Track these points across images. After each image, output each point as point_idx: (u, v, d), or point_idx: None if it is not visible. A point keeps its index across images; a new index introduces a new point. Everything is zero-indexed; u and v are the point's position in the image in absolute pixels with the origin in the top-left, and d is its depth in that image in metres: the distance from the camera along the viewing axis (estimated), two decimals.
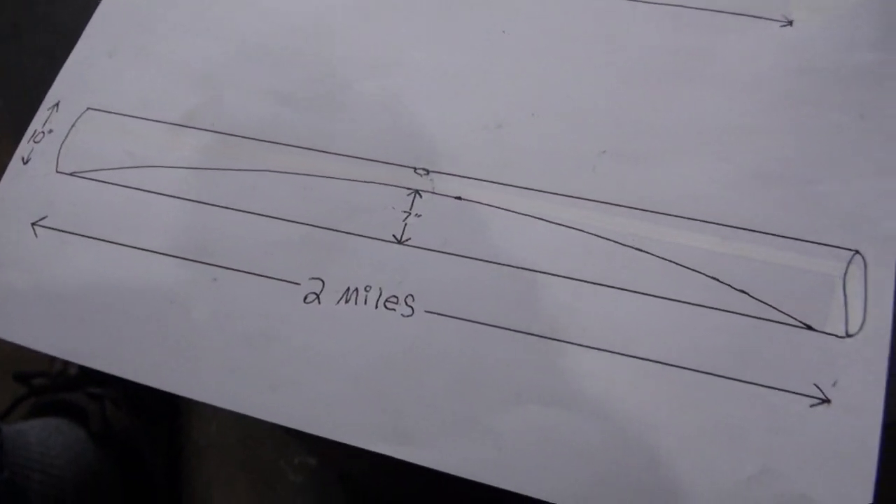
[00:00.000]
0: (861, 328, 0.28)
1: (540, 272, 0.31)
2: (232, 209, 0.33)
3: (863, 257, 0.29)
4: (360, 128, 0.34)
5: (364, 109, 0.35)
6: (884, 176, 0.30)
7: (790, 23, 0.34)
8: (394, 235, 0.32)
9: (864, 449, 0.27)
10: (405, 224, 0.32)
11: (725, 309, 0.29)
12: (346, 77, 0.36)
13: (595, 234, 0.31)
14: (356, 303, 0.31)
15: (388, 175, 0.33)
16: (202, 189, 0.34)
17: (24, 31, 0.42)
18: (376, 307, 0.31)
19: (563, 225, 0.31)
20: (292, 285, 0.32)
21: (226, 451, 0.70)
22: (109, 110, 0.37)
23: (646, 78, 0.34)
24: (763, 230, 0.30)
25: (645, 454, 0.28)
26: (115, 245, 0.34)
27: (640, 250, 0.31)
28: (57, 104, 0.37)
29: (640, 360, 0.29)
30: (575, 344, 0.29)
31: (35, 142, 0.37)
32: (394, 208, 0.33)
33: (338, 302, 0.31)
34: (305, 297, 0.31)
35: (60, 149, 0.36)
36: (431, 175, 0.33)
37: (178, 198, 0.34)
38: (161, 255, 0.33)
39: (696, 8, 0.35)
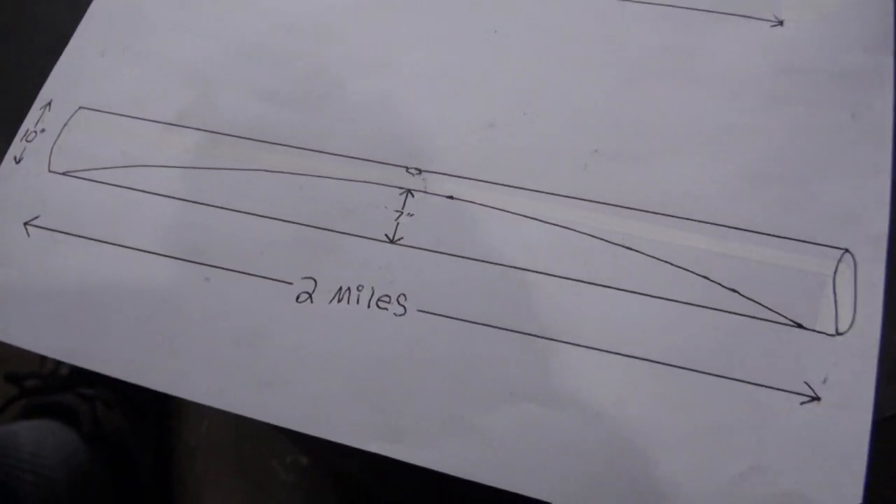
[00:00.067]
0: (851, 326, 0.28)
1: (532, 271, 0.31)
2: (224, 209, 0.33)
3: (852, 256, 0.29)
4: (353, 127, 0.34)
5: (356, 109, 0.35)
6: (873, 175, 0.30)
7: (781, 23, 0.34)
8: (386, 235, 0.32)
9: (854, 446, 0.27)
10: (397, 223, 0.32)
11: (716, 308, 0.29)
12: (338, 77, 0.36)
13: (587, 234, 0.31)
14: (349, 302, 0.31)
15: (381, 174, 0.33)
16: (194, 188, 0.34)
17: (15, 31, 0.42)
18: (369, 307, 0.31)
19: (554, 224, 0.31)
20: (285, 285, 0.32)
21: (217, 450, 0.70)
22: (102, 109, 0.37)
23: (637, 77, 0.34)
24: (753, 229, 0.30)
25: (636, 452, 0.28)
26: (107, 245, 0.34)
27: (632, 249, 0.31)
28: (49, 103, 0.37)
29: (632, 359, 0.29)
30: (566, 343, 0.30)
31: (27, 141, 0.37)
32: (386, 208, 0.33)
33: (330, 301, 0.31)
34: (298, 297, 0.31)
35: (53, 148, 0.36)
36: (424, 174, 0.33)
37: (171, 197, 0.34)
38: (153, 255, 0.33)
39: (687, 8, 0.35)
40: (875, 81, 0.32)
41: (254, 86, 0.36)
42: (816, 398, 0.28)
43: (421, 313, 0.31)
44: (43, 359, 0.63)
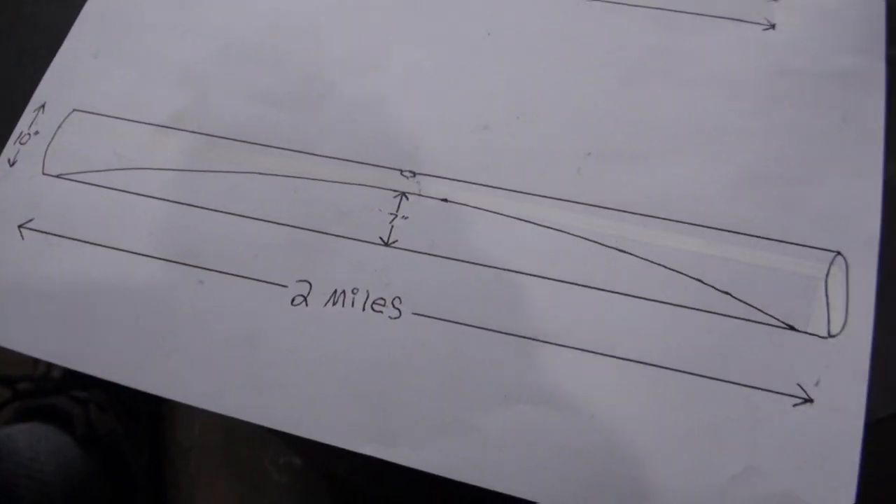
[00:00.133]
0: (843, 328, 0.29)
1: (526, 274, 0.31)
2: (218, 211, 0.33)
3: (844, 259, 0.30)
4: (347, 130, 0.34)
5: (350, 112, 0.35)
6: (865, 178, 0.31)
7: (773, 26, 0.34)
8: (381, 238, 0.32)
9: (847, 447, 0.27)
10: (392, 226, 0.32)
11: (709, 310, 0.30)
12: (332, 79, 0.36)
13: (580, 237, 0.31)
14: (343, 305, 0.31)
15: (375, 177, 0.33)
16: (188, 191, 0.34)
17: (8, 32, 0.42)
18: (364, 309, 0.31)
19: (548, 227, 0.32)
20: (279, 288, 0.32)
21: (210, 451, 0.70)
22: (95, 112, 0.37)
23: (630, 81, 0.34)
24: (746, 232, 0.31)
25: (630, 454, 0.28)
26: (101, 247, 0.34)
27: (625, 252, 0.31)
28: (43, 105, 0.37)
29: (625, 361, 0.29)
30: (561, 345, 0.30)
31: (21, 143, 0.36)
32: (380, 210, 0.33)
33: (325, 304, 0.31)
34: (293, 300, 0.31)
35: (47, 150, 0.36)
36: (418, 177, 0.33)
37: (165, 200, 0.34)
38: (147, 258, 0.33)
39: (680, 11, 0.35)
40: (867, 84, 0.32)
41: (248, 88, 0.36)
42: (809, 400, 0.28)
43: (416, 316, 0.31)
44: (35, 361, 0.62)
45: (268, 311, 0.31)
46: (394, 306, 0.31)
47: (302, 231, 0.33)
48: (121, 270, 0.33)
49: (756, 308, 0.29)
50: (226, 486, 0.70)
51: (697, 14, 0.35)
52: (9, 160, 0.36)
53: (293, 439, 0.30)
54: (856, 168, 0.31)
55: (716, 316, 0.29)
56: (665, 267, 0.30)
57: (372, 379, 0.30)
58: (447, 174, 0.33)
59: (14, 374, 0.61)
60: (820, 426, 0.28)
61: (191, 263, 0.33)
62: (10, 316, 0.33)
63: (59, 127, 0.37)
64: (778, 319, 0.29)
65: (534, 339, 0.30)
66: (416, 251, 0.32)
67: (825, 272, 0.29)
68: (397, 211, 0.32)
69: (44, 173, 0.36)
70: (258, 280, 0.32)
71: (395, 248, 0.32)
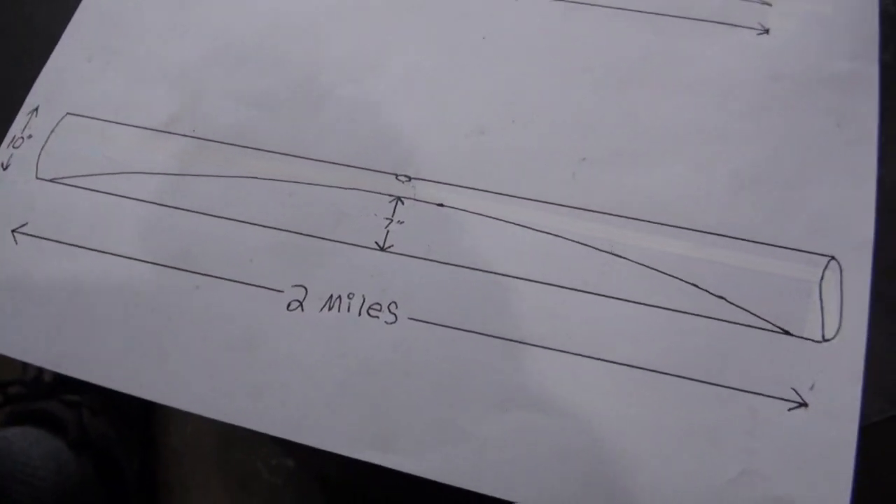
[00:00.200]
0: (837, 333, 0.29)
1: (521, 279, 0.31)
2: (213, 216, 0.33)
3: (838, 263, 0.30)
4: (342, 134, 0.34)
5: (345, 115, 0.35)
6: (859, 182, 0.31)
7: (766, 31, 0.34)
8: (376, 242, 0.32)
9: (841, 451, 0.27)
10: (387, 231, 0.32)
11: (704, 314, 0.30)
12: (327, 82, 0.36)
13: (575, 241, 0.31)
14: (339, 310, 0.31)
15: (370, 182, 0.33)
16: (183, 195, 0.34)
17: (1, 35, 0.41)
18: (360, 314, 0.31)
19: (544, 231, 0.32)
20: (275, 293, 0.32)
21: (202, 453, 0.70)
22: (89, 115, 0.37)
23: (625, 85, 0.34)
24: (741, 236, 0.31)
25: (626, 459, 0.28)
26: (96, 252, 0.33)
27: (621, 257, 0.31)
28: (36, 109, 0.37)
29: (621, 366, 0.29)
30: (557, 350, 0.30)
31: (14, 147, 0.36)
32: (376, 215, 0.33)
33: (321, 309, 0.31)
34: (288, 305, 0.31)
35: (40, 154, 0.36)
36: (413, 182, 0.33)
37: (160, 204, 0.34)
38: (142, 263, 0.33)
39: (674, 16, 0.35)
40: (860, 89, 0.32)
41: (242, 92, 0.36)
42: (804, 404, 0.28)
43: (412, 321, 0.31)
44: (25, 365, 0.62)
45: (264, 317, 0.31)
46: (390, 311, 0.31)
47: (297, 235, 0.33)
48: (116, 276, 0.33)
49: (751, 312, 0.29)
50: (218, 489, 0.69)
51: (692, 19, 0.35)
52: (2, 164, 0.36)
53: (285, 441, 0.30)
54: (850, 172, 0.31)
55: (710, 320, 0.30)
56: (660, 271, 0.30)
57: (368, 384, 0.30)
58: (443, 178, 0.33)
59: (5, 379, 0.61)
60: (815, 430, 0.28)
61: (186, 268, 0.33)
62: (4, 322, 0.33)
63: (53, 130, 0.36)
64: (772, 324, 0.29)
65: (530, 344, 0.30)
66: (411, 256, 0.32)
67: (819, 276, 0.30)
68: (393, 215, 0.32)
69: (37, 177, 0.35)
70: (254, 285, 0.32)
71: (391, 252, 0.32)
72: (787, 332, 0.29)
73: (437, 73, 0.35)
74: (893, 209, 0.31)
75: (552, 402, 0.29)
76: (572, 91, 0.34)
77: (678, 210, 0.31)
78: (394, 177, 0.33)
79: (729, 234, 0.31)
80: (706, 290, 0.30)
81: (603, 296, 0.30)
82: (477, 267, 0.31)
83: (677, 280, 0.30)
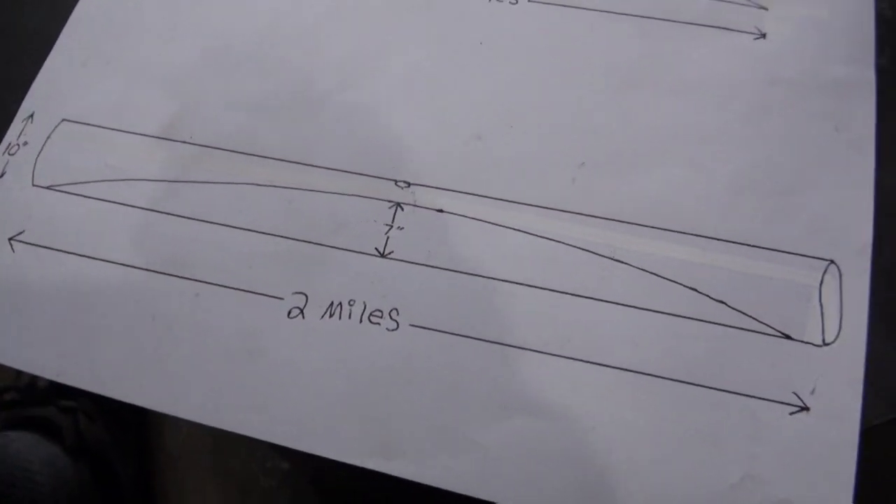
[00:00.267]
0: (837, 336, 0.29)
1: (522, 284, 0.31)
2: (213, 223, 0.33)
3: (838, 267, 0.30)
4: (341, 140, 0.34)
5: (344, 121, 0.35)
6: (857, 186, 0.31)
7: (763, 35, 0.34)
8: (376, 249, 0.32)
9: (843, 454, 0.27)
10: (387, 237, 0.32)
11: (705, 319, 0.30)
12: (325, 87, 0.36)
13: (575, 246, 0.31)
14: (340, 317, 0.31)
15: (370, 188, 0.33)
16: (182, 202, 0.34)
17: None
18: (361, 321, 0.31)
19: (543, 237, 0.32)
20: (276, 300, 0.32)
21: (197, 457, 0.70)
22: (85, 122, 0.36)
23: (623, 90, 0.34)
24: (740, 241, 0.31)
25: (628, 464, 0.28)
26: (94, 260, 0.33)
27: (621, 262, 0.31)
28: (31, 115, 0.37)
29: (622, 371, 0.29)
30: (558, 355, 0.30)
31: (10, 154, 0.36)
32: (375, 221, 0.33)
33: (322, 316, 0.31)
34: (289, 312, 0.31)
35: (36, 161, 0.36)
36: (412, 188, 0.33)
37: (158, 211, 0.34)
38: (141, 271, 0.33)
39: (671, 20, 0.35)
40: (858, 93, 0.32)
41: (240, 97, 0.36)
42: (805, 408, 0.28)
43: (413, 328, 0.31)
44: (18, 371, 0.62)
45: (264, 324, 0.31)
46: (391, 318, 0.31)
47: (297, 242, 0.33)
48: (115, 284, 0.33)
49: (751, 317, 0.30)
50: (214, 492, 0.69)
51: (689, 23, 0.35)
52: None
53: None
54: (848, 176, 0.31)
55: (710, 325, 0.30)
56: (660, 276, 0.31)
57: (370, 392, 0.30)
58: (442, 184, 0.33)
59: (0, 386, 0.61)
60: (817, 434, 0.28)
61: (185, 276, 0.32)
62: (2, 331, 0.33)
63: (49, 137, 0.36)
64: (773, 328, 0.29)
65: (531, 350, 0.30)
66: (412, 262, 0.32)
67: (819, 281, 0.30)
68: (393, 222, 0.32)
69: (34, 184, 0.35)
70: (254, 292, 0.32)
71: (392, 259, 0.32)
72: (787, 337, 0.29)
73: (434, 78, 0.35)
74: (892, 212, 0.31)
75: (554, 407, 0.29)
76: (570, 96, 0.34)
77: (677, 215, 0.31)
78: (393, 183, 0.33)
79: (729, 239, 0.31)
80: (707, 295, 0.30)
81: (603, 301, 0.30)
82: (477, 273, 0.31)
83: (678, 285, 0.30)
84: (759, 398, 0.28)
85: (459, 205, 0.33)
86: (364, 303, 0.31)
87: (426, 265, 0.32)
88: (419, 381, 0.30)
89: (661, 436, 0.29)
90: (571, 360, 0.30)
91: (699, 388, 0.29)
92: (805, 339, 0.29)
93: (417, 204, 0.33)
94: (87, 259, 0.33)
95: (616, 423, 0.29)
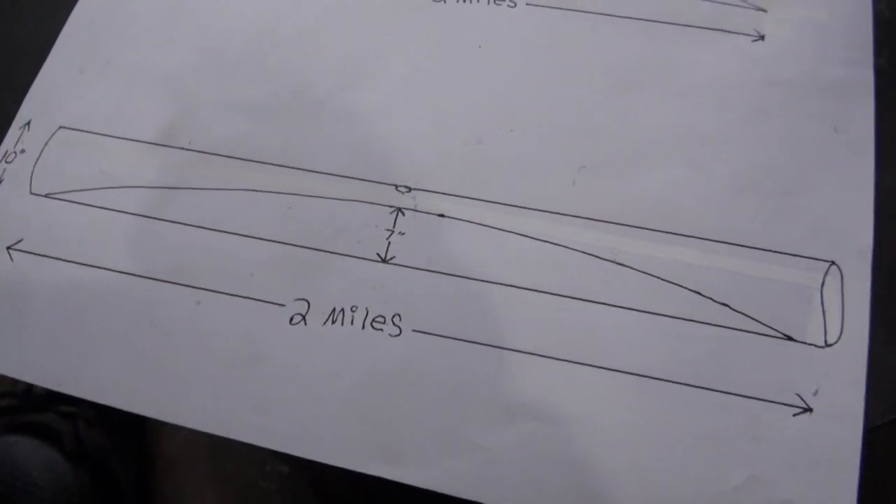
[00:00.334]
0: (839, 338, 0.29)
1: (524, 288, 0.31)
2: (212, 230, 0.33)
3: (839, 268, 0.30)
4: (340, 144, 0.34)
5: (343, 125, 0.35)
6: (857, 188, 0.31)
7: (762, 37, 0.34)
8: (378, 254, 0.32)
9: (846, 455, 0.28)
10: (389, 242, 0.32)
11: (707, 321, 0.30)
12: (323, 91, 0.36)
13: (577, 250, 0.31)
14: (343, 323, 0.31)
15: (370, 193, 0.33)
16: (181, 209, 0.34)
17: None
18: (363, 327, 0.31)
19: (545, 241, 0.32)
20: (277, 307, 0.32)
21: (196, 461, 0.70)
22: (82, 128, 0.36)
23: (623, 93, 0.34)
24: (741, 243, 0.31)
25: (632, 467, 0.28)
26: (93, 268, 0.33)
27: (623, 265, 0.31)
28: (28, 123, 0.37)
29: (625, 374, 0.29)
30: (561, 359, 0.30)
31: (7, 162, 0.36)
32: (377, 227, 0.32)
33: (324, 323, 0.31)
34: (291, 319, 0.31)
35: (34, 169, 0.35)
36: (413, 192, 0.33)
37: (157, 219, 0.34)
38: (141, 278, 0.33)
39: (670, 23, 0.35)
40: (856, 95, 0.32)
41: (238, 103, 0.36)
42: (808, 409, 0.28)
43: (416, 333, 0.31)
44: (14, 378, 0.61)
45: (266, 331, 0.31)
46: (394, 323, 0.31)
47: (298, 248, 0.32)
48: (115, 292, 0.32)
49: (754, 319, 0.30)
50: (212, 496, 0.69)
51: (687, 26, 0.35)
52: None
53: None
54: (848, 178, 0.31)
55: (714, 327, 0.30)
56: (662, 279, 0.31)
57: (373, 397, 0.30)
58: (442, 189, 0.33)
59: None
60: (820, 435, 0.28)
61: (186, 283, 0.32)
62: (1, 340, 0.32)
63: (46, 145, 0.36)
64: (775, 330, 0.29)
65: (533, 354, 0.30)
66: (414, 267, 0.32)
67: (820, 282, 0.30)
68: (394, 227, 0.32)
69: (31, 192, 0.35)
70: (255, 299, 0.32)
71: (393, 264, 0.32)
72: (789, 338, 0.29)
73: (434, 81, 0.35)
74: (892, 213, 0.31)
75: (556, 411, 0.29)
76: (570, 98, 0.34)
77: (678, 216, 0.31)
78: (394, 187, 0.33)
79: (730, 241, 0.31)
80: (709, 297, 0.30)
81: (606, 304, 0.30)
82: (479, 277, 0.31)
83: (680, 287, 0.30)
84: (762, 400, 0.29)
85: (460, 209, 0.33)
86: (366, 309, 0.31)
87: (428, 270, 0.32)
88: (421, 385, 0.30)
89: (664, 438, 0.29)
90: (574, 364, 0.30)
91: (701, 390, 0.29)
92: (807, 341, 0.29)
93: (418, 209, 0.33)
94: (86, 267, 0.33)
95: (619, 426, 0.29)
